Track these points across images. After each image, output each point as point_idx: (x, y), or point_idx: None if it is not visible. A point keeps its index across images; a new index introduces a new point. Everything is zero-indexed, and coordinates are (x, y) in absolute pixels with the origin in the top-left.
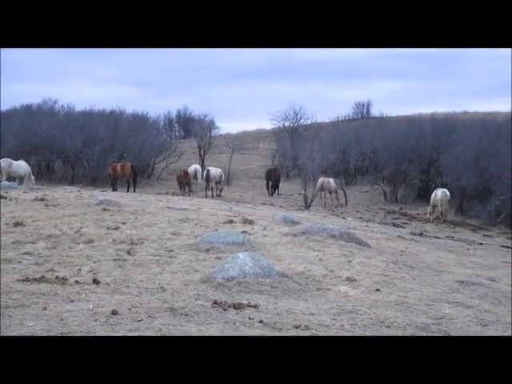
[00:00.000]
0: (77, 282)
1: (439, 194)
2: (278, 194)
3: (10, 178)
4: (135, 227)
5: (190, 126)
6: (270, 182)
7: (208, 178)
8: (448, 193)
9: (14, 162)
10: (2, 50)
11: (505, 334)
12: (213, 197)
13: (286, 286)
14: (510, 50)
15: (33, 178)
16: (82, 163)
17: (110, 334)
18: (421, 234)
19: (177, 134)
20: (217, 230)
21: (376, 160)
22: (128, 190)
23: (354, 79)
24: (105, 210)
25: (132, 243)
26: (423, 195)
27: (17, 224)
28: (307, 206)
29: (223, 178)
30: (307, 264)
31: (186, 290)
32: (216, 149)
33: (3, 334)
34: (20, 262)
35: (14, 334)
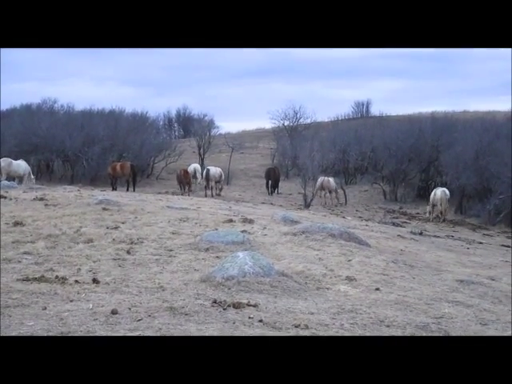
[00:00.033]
0: (76, 281)
1: (439, 193)
2: (277, 193)
3: (10, 178)
4: (135, 227)
5: (189, 126)
6: (270, 182)
7: (208, 178)
8: (448, 192)
9: (13, 161)
10: (2, 49)
11: (505, 333)
12: (212, 196)
13: (285, 286)
14: (509, 49)
15: (33, 177)
16: (81, 163)
17: (109, 334)
18: (420, 233)
19: (176, 133)
20: (216, 230)
21: (376, 159)
22: (128, 190)
23: (354, 78)
24: (104, 209)
25: (132, 243)
26: (423, 194)
27: (16, 223)
28: (307, 205)
29: (223, 177)
30: (307, 263)
31: (185, 289)
32: (216, 148)
33: (3, 334)
34: (20, 261)
35: (13, 333)
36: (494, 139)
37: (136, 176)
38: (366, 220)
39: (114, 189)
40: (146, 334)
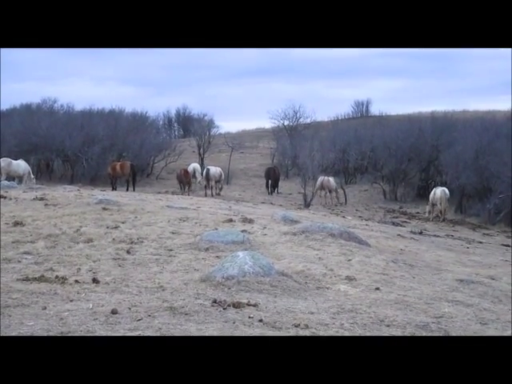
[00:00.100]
0: (76, 281)
1: (438, 192)
2: (277, 192)
3: (10, 178)
4: (135, 226)
5: (189, 125)
6: (270, 181)
7: (208, 177)
8: (447, 191)
9: (13, 161)
10: (2, 49)
11: (505, 333)
12: (212, 196)
13: (285, 285)
14: (509, 49)
15: (33, 177)
16: (81, 162)
17: (109, 334)
18: (420, 233)
19: (176, 133)
20: (216, 229)
21: (375, 159)
22: (127, 189)
23: (354, 78)
24: (104, 209)
25: (131, 242)
26: (423, 194)
27: (16, 223)
28: (307, 205)
29: (223, 176)
30: (307, 263)
31: (185, 289)
32: (215, 148)
33: (3, 334)
34: (20, 261)
35: (13, 333)
36: (493, 139)
37: (136, 176)
38: (366, 219)
39: (114, 188)
40: (145, 334)
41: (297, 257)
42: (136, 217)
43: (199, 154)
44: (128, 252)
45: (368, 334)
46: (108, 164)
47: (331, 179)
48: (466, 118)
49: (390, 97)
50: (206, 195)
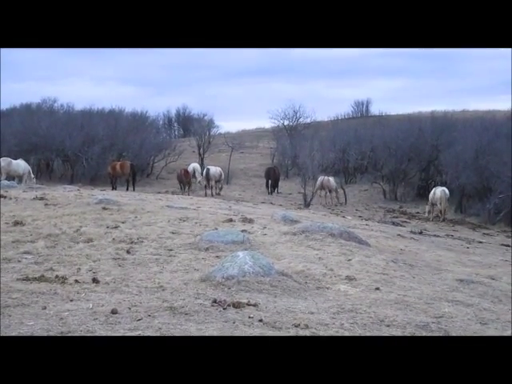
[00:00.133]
0: (76, 281)
1: (438, 192)
2: (277, 192)
3: (10, 177)
4: (135, 226)
5: (189, 125)
6: (270, 181)
7: (208, 177)
8: (447, 191)
9: (13, 161)
10: (2, 49)
11: (504, 333)
12: (212, 196)
13: (285, 285)
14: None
15: (33, 176)
16: (81, 162)
17: (109, 333)
18: (420, 233)
19: (176, 132)
20: (216, 229)
21: (375, 158)
22: (127, 189)
23: (354, 78)
24: (104, 209)
25: (131, 242)
26: (423, 194)
27: (16, 223)
28: (307, 205)
29: (223, 176)
30: (307, 263)
31: (185, 289)
32: (215, 148)
33: (3, 334)
34: (20, 261)
35: (13, 333)
36: (493, 138)
37: (136, 175)
38: (366, 219)
39: (114, 188)
40: (145, 334)
41: (297, 257)
42: (136, 217)
43: (199, 154)
44: (128, 252)
45: (368, 334)
46: (108, 164)
47: (331, 179)
48: (465, 118)
49: (390, 97)
50: (205, 195)
